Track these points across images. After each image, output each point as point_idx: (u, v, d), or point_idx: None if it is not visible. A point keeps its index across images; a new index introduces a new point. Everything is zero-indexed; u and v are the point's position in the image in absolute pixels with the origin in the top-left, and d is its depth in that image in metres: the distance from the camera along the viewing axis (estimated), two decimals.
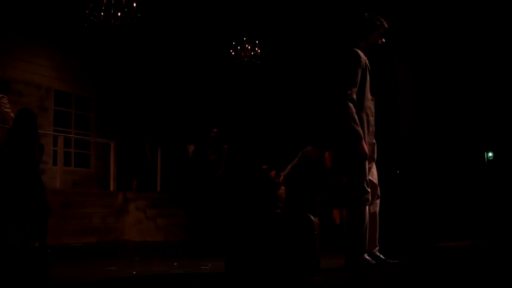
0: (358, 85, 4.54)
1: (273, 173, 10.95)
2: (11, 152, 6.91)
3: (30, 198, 6.88)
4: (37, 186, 7.02)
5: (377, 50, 4.77)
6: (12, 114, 9.63)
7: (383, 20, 4.77)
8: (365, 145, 4.47)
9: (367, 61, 4.68)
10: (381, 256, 4.78)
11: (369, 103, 4.65)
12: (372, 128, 4.68)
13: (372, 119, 4.67)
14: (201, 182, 7.70)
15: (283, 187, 10.49)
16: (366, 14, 4.78)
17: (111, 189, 11.74)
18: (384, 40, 4.78)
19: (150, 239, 10.65)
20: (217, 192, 8.01)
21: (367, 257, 4.53)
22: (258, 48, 12.22)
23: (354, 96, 4.49)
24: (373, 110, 4.70)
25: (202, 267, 5.42)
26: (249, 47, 12.19)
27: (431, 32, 11.12)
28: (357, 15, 4.85)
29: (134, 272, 5.15)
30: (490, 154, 12.26)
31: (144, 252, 7.72)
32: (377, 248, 4.80)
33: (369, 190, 4.56)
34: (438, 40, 11.19)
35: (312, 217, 4.50)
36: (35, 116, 7.31)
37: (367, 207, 4.56)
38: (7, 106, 9.67)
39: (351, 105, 4.45)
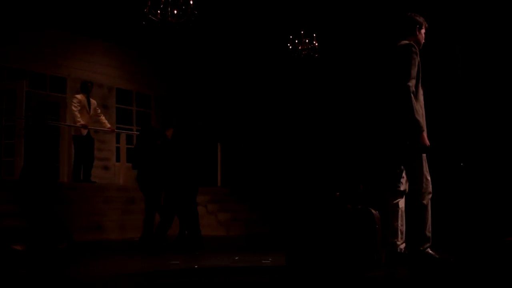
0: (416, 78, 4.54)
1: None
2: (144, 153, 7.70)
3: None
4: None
5: (419, 48, 4.78)
6: (78, 114, 9.98)
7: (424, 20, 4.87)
8: (426, 137, 4.42)
9: None
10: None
11: (421, 96, 4.65)
12: (424, 121, 4.63)
13: (423, 112, 4.62)
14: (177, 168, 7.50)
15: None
16: (412, 13, 4.84)
17: None
18: (424, 40, 4.84)
19: (211, 234, 10.74)
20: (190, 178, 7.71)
21: (430, 251, 4.45)
22: (316, 41, 12.11)
23: (414, 89, 4.49)
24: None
25: (263, 261, 5.44)
26: (306, 41, 12.10)
27: (494, 21, 10.77)
28: (401, 13, 4.92)
29: (196, 266, 5.22)
30: None
31: (205, 247, 7.78)
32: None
33: (430, 182, 4.51)
34: (501, 30, 10.83)
35: (373, 211, 4.44)
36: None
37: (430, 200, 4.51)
38: (75, 105, 10.05)
39: (412, 96, 4.43)
